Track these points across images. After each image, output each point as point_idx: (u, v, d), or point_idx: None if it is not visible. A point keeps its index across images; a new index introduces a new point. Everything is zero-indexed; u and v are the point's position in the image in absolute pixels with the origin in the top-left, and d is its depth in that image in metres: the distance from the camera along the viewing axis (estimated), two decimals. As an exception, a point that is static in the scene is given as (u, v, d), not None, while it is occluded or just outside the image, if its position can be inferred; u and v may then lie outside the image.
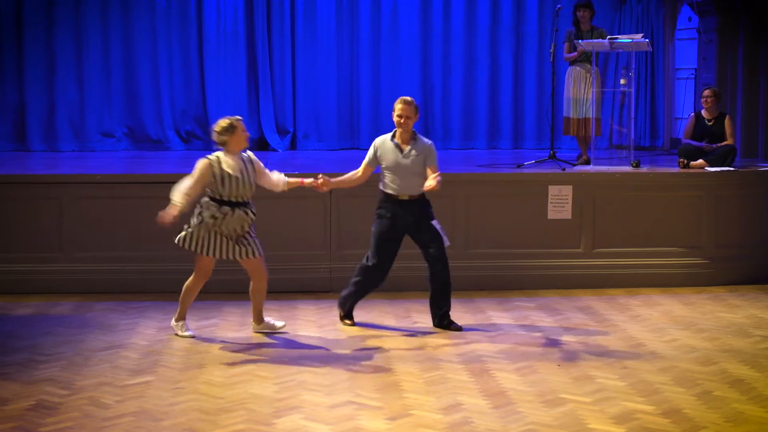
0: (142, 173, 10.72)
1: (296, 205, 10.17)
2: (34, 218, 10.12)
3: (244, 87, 14.21)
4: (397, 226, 8.51)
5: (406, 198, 8.47)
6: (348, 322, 8.86)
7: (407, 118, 8.43)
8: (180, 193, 7.99)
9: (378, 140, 8.67)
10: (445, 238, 8.58)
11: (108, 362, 7.67)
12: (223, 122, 8.08)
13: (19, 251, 10.09)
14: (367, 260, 8.62)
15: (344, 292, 8.86)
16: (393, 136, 8.56)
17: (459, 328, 8.66)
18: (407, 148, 8.47)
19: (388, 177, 8.52)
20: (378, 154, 8.57)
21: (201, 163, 8.04)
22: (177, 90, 14.13)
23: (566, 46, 11.84)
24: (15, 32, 13.70)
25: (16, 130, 13.82)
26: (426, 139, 8.60)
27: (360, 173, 8.69)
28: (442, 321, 8.73)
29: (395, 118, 8.46)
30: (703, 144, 11.06)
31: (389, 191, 8.50)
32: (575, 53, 11.66)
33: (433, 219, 8.57)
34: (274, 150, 13.91)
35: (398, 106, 8.45)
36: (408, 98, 8.51)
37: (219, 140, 8.08)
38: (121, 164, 12.03)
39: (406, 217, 8.49)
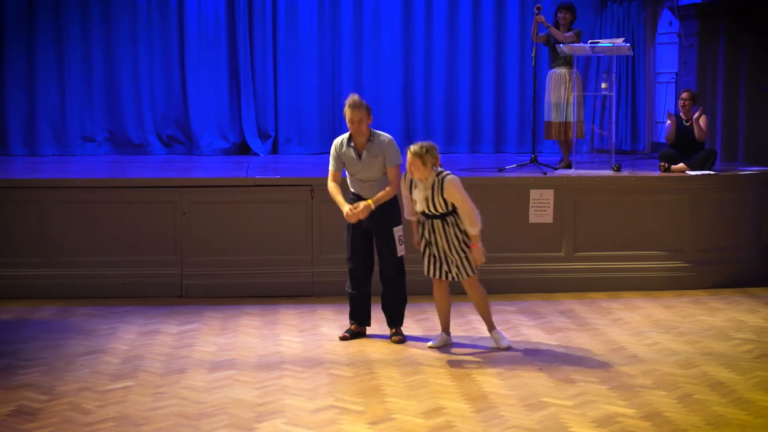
0: (123, 177, 10.68)
1: (278, 209, 10.16)
2: (15, 223, 10.07)
3: (225, 91, 14.15)
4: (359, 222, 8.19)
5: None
6: (354, 326, 8.56)
7: (359, 122, 7.98)
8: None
9: (336, 142, 8.22)
10: (399, 247, 8.23)
11: (89, 367, 7.64)
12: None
13: (-1, 256, 10.06)
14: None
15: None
16: (350, 139, 8.15)
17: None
18: (364, 154, 8.08)
19: (351, 180, 8.28)
20: (340, 156, 8.17)
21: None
22: (158, 94, 14.06)
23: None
24: (-5, 36, 13.66)
25: (-4, 135, 13.76)
26: (384, 135, 8.13)
27: (333, 183, 8.25)
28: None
29: (348, 124, 8.05)
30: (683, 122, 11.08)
31: (353, 191, 8.27)
32: (572, 33, 11.53)
33: (396, 225, 8.22)
34: (256, 154, 13.86)
35: (348, 112, 7.96)
36: (356, 99, 8.00)
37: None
38: (102, 169, 11.98)
39: (369, 219, 8.17)
